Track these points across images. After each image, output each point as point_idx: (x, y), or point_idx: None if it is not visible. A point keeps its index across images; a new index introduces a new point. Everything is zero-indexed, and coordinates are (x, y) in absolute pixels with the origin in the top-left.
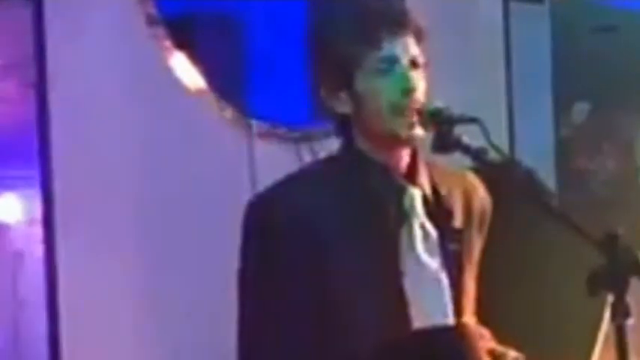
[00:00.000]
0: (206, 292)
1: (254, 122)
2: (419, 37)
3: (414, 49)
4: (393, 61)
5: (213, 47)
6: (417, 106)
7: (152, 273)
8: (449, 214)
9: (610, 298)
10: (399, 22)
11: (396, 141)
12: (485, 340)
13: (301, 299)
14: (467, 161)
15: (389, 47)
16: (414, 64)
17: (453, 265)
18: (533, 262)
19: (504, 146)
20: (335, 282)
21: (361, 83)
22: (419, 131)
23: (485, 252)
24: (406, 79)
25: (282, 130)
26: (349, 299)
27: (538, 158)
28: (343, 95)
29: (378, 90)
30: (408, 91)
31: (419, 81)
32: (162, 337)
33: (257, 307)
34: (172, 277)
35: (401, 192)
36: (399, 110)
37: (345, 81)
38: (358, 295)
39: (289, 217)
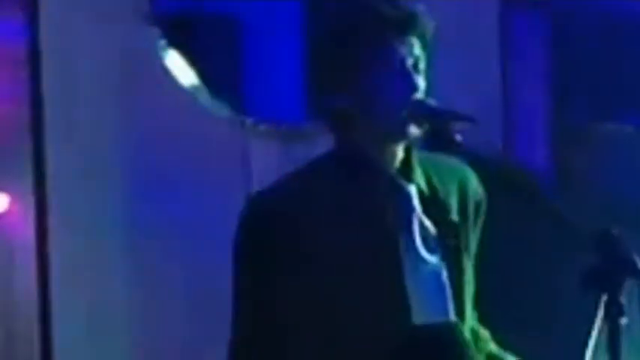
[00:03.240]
0: (199, 291)
1: (248, 120)
2: (424, 41)
3: (417, 50)
4: (401, 61)
5: (209, 46)
6: (416, 105)
7: (145, 271)
8: (445, 209)
9: (604, 298)
10: (408, 24)
11: (394, 138)
12: (483, 342)
13: (300, 303)
14: None
15: (398, 47)
16: (416, 65)
17: (453, 260)
18: (527, 259)
19: (499, 142)
20: (335, 284)
21: (368, 79)
22: (415, 129)
23: (481, 246)
24: (412, 79)
25: (276, 128)
26: (350, 301)
27: (534, 156)
28: (346, 90)
29: (384, 87)
30: (414, 91)
31: (421, 82)
32: (155, 338)
33: (253, 313)
34: (164, 273)
35: (397, 190)
36: (401, 108)
37: (352, 76)
38: (359, 295)
39: (286, 221)
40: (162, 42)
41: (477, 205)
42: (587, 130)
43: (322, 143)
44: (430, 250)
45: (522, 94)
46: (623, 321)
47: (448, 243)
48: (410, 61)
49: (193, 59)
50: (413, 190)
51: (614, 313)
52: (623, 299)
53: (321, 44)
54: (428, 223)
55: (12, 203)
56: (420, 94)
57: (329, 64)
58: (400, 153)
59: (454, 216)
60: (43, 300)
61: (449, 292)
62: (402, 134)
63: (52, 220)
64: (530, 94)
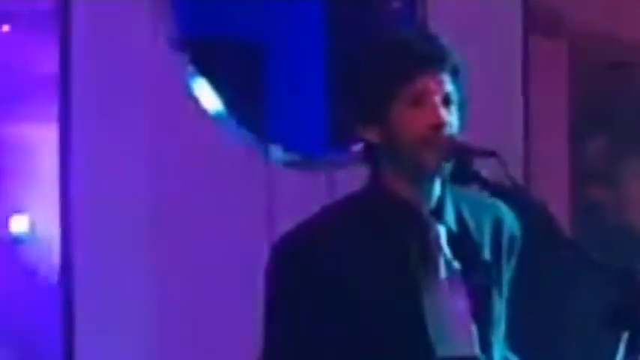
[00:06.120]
0: (218, 311)
1: (272, 149)
2: (455, 75)
3: (448, 86)
4: (425, 95)
5: (235, 73)
6: (445, 140)
7: (171, 299)
8: (476, 248)
9: (625, 336)
10: (435, 59)
11: (423, 173)
12: None
13: (327, 342)
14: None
15: (423, 82)
16: (446, 100)
17: (481, 299)
18: (551, 294)
19: (519, 177)
20: (360, 324)
21: (393, 115)
22: (446, 164)
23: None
24: (436, 113)
25: (300, 158)
26: (375, 340)
27: (553, 189)
28: (375, 125)
29: (408, 122)
30: (438, 125)
31: (449, 116)
32: (175, 354)
33: (283, 349)
34: (189, 299)
35: (424, 229)
36: (427, 143)
37: (378, 111)
38: (384, 335)
39: (315, 263)
40: (190, 68)
41: (512, 242)
42: (606, 166)
43: (344, 173)
44: (456, 291)
45: (542, 125)
46: None
47: (477, 281)
48: (439, 96)
49: (217, 86)
50: (442, 229)
51: (635, 351)
52: None
53: (350, 78)
54: (455, 262)
55: (35, 225)
56: (449, 130)
57: (358, 98)
58: (437, 190)
59: (485, 254)
60: (66, 326)
61: (474, 332)
62: (432, 169)
63: (77, 244)
64: (551, 128)
